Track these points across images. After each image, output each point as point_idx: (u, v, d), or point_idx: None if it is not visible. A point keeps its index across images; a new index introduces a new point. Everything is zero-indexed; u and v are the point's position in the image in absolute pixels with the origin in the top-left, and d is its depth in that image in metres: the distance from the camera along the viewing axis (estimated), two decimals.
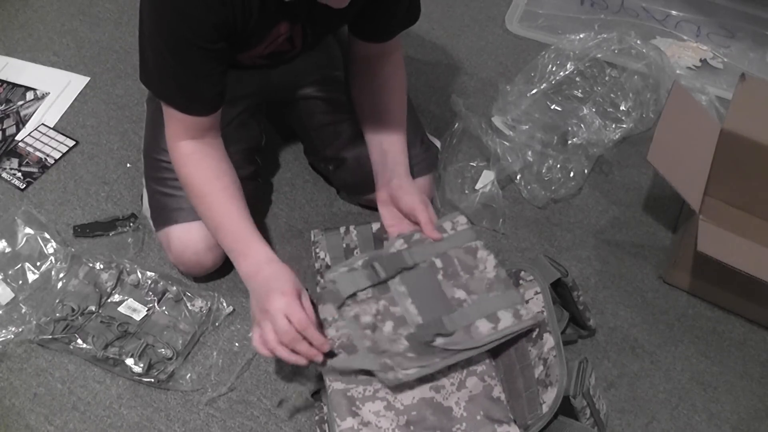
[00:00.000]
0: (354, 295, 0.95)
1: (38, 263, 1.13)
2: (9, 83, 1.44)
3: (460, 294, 0.94)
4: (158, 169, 1.09)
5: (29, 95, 1.42)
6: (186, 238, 1.05)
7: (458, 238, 1.00)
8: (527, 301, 0.95)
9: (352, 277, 0.96)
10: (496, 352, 0.96)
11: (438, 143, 1.29)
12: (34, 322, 1.04)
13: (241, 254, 0.95)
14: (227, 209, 0.96)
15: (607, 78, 1.40)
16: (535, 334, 0.92)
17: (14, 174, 1.27)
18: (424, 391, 0.91)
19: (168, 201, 1.07)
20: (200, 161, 0.97)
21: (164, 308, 1.08)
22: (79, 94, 1.42)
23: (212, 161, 0.98)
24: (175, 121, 0.96)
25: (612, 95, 1.38)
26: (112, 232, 1.18)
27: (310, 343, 0.87)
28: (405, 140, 1.09)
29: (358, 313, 0.93)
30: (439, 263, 0.97)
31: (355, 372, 0.89)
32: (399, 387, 0.91)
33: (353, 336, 0.91)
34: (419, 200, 1.01)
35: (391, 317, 0.93)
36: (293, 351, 0.87)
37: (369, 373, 0.89)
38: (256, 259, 0.94)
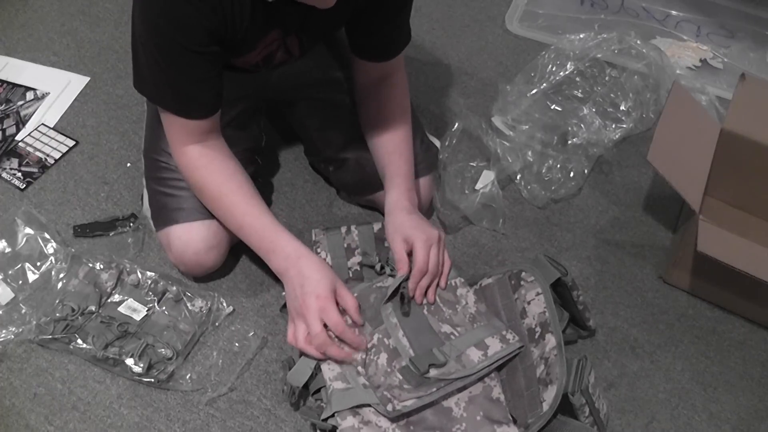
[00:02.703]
0: None
1: (38, 263, 1.13)
2: (9, 83, 1.44)
3: (446, 328, 0.95)
4: (159, 170, 1.09)
5: (29, 95, 1.42)
6: (186, 238, 1.05)
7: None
8: (529, 303, 0.96)
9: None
10: None
11: (438, 143, 1.29)
12: (34, 322, 1.04)
13: (270, 251, 0.95)
14: (246, 208, 0.97)
15: (607, 78, 1.40)
16: (537, 334, 0.93)
17: (14, 174, 1.27)
18: None
19: (168, 201, 1.07)
20: (209, 164, 0.97)
21: (164, 308, 1.08)
22: (79, 94, 1.42)
23: (221, 162, 0.98)
24: (175, 126, 0.96)
25: (612, 95, 1.38)
26: (112, 232, 1.18)
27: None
28: (410, 164, 1.07)
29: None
30: (423, 300, 0.98)
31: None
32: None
33: (347, 374, 0.91)
34: (421, 258, 0.96)
35: (386, 349, 0.92)
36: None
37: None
38: (284, 254, 0.94)
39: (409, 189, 1.04)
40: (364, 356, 0.91)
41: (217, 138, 0.99)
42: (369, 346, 0.92)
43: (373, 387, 0.89)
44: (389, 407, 0.87)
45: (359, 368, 0.91)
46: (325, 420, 0.89)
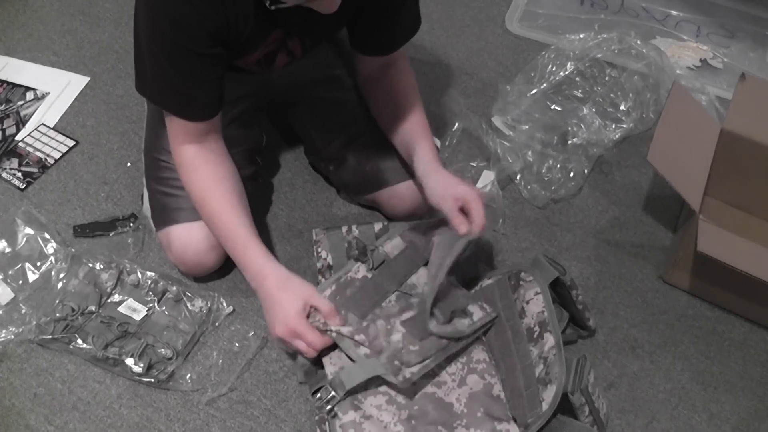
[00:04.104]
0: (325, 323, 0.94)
1: (38, 263, 1.13)
2: (9, 83, 1.44)
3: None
4: (159, 169, 1.09)
5: (29, 95, 1.42)
6: (187, 238, 1.05)
7: None
8: (527, 302, 0.96)
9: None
10: (498, 351, 0.97)
11: (438, 143, 1.29)
12: (34, 322, 1.04)
13: (241, 263, 0.97)
14: (226, 216, 0.97)
15: (607, 78, 1.40)
16: (536, 334, 0.93)
17: (14, 174, 1.27)
18: (425, 386, 0.92)
19: (169, 201, 1.07)
20: (201, 166, 0.97)
21: (164, 308, 1.08)
22: (79, 94, 1.42)
23: (212, 166, 0.98)
24: (175, 125, 0.96)
25: (612, 95, 1.38)
26: (112, 232, 1.18)
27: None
28: (431, 138, 1.06)
29: (339, 329, 0.92)
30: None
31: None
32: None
33: (346, 348, 0.92)
34: (472, 195, 0.95)
35: (380, 316, 0.94)
36: None
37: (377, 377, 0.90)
38: (252, 272, 0.95)
39: (437, 158, 1.03)
40: (358, 326, 0.92)
41: (215, 140, 0.99)
42: (364, 324, 0.94)
43: (375, 353, 0.89)
44: (400, 377, 0.87)
45: (356, 337, 0.91)
46: (332, 409, 0.90)
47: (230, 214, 0.97)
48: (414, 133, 1.05)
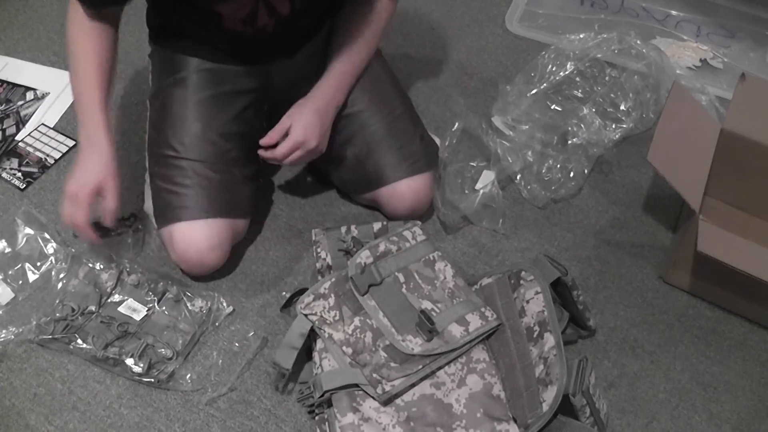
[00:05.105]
0: (323, 319, 0.96)
1: (38, 263, 1.13)
2: (9, 83, 1.44)
3: (426, 304, 0.96)
4: (163, 166, 1.09)
5: (29, 95, 1.42)
6: (190, 237, 1.05)
7: (417, 251, 1.03)
8: (528, 301, 0.96)
9: (322, 304, 0.98)
10: (497, 351, 0.97)
11: (438, 141, 1.29)
12: (34, 322, 1.04)
13: (80, 123, 1.03)
14: (86, 82, 1.02)
15: (607, 78, 1.40)
16: (536, 333, 0.93)
17: (14, 174, 1.27)
18: (424, 387, 0.92)
19: (172, 198, 1.07)
20: (83, 35, 1.02)
21: (164, 308, 1.08)
22: None
23: (93, 39, 1.02)
24: (74, 10, 1.01)
25: (612, 95, 1.38)
26: (113, 232, 1.18)
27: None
28: (354, 62, 1.12)
29: (331, 333, 0.94)
30: (401, 278, 0.99)
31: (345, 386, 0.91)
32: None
33: (333, 353, 0.93)
34: (294, 135, 1.06)
35: (370, 329, 0.94)
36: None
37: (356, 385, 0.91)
38: (86, 134, 1.01)
39: (332, 87, 1.11)
40: (348, 336, 0.93)
41: (110, 25, 1.03)
42: (353, 327, 0.94)
43: (360, 366, 0.91)
44: (378, 389, 0.88)
45: (343, 348, 0.92)
46: (318, 406, 0.91)
47: (91, 81, 1.01)
48: (336, 55, 1.11)
